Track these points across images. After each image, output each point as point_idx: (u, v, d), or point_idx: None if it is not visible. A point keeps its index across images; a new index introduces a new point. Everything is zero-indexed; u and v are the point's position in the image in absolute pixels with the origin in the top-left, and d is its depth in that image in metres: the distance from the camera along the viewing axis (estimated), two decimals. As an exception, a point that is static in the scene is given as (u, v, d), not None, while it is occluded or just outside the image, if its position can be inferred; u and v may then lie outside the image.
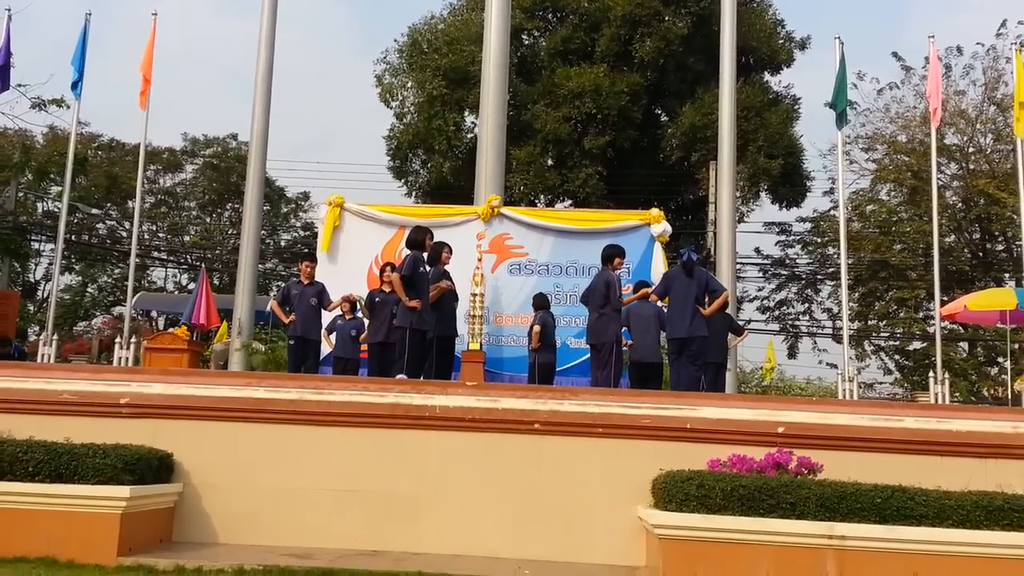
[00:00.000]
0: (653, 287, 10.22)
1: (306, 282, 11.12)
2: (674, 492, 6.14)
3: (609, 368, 9.63)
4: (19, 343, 16.21)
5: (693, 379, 9.21)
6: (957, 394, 18.26)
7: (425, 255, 9.84)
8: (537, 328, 11.17)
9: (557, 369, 11.39)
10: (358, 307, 11.38)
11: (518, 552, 6.84)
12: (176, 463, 7.10)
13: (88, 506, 6.18)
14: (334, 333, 11.43)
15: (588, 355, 11.80)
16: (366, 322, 11.07)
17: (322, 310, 11.10)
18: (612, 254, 10.15)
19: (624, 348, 10.44)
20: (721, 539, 5.92)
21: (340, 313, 11.34)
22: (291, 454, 7.23)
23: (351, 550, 6.76)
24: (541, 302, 11.55)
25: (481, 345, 11.69)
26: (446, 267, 10.43)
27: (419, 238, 9.79)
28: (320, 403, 7.36)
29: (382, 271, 10.91)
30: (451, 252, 10.61)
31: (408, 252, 9.75)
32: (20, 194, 29.01)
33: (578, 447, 7.20)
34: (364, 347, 11.05)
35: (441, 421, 7.30)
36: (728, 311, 10.75)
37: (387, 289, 10.52)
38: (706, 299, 9.42)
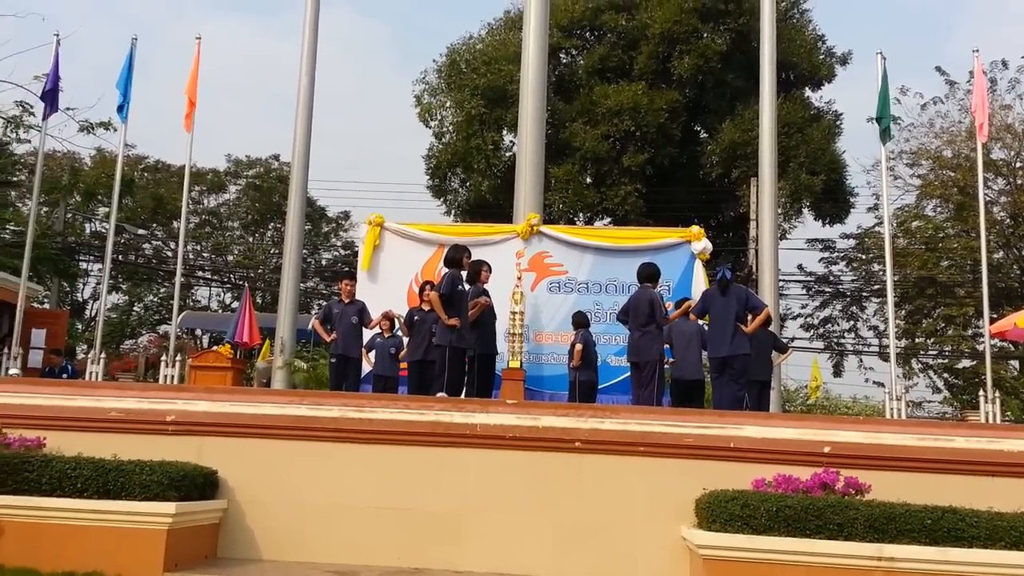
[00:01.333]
0: (693, 306, 10.17)
1: (347, 300, 11.26)
2: (718, 512, 6.07)
3: (652, 386, 9.56)
4: (68, 362, 16.51)
5: (736, 398, 9.10)
6: (1008, 413, 17.85)
7: (463, 273, 9.87)
8: (580, 346, 11.14)
9: (598, 387, 11.35)
10: (396, 325, 11.44)
11: (559, 571, 6.80)
12: (221, 480, 7.16)
13: (135, 522, 6.26)
14: (373, 351, 11.49)
15: (629, 373, 11.73)
16: (405, 340, 11.13)
17: (363, 328, 11.18)
18: (654, 272, 10.09)
19: (666, 366, 10.38)
20: (766, 560, 5.82)
21: (379, 331, 11.41)
22: (334, 471, 7.27)
23: (393, 567, 6.77)
24: (581, 320, 11.53)
25: (521, 363, 11.66)
26: (485, 285, 10.45)
27: (457, 256, 9.80)
28: (362, 420, 7.40)
29: (421, 289, 10.96)
30: (490, 270, 10.63)
31: (447, 271, 9.78)
32: (68, 215, 29.67)
33: (620, 466, 7.14)
34: (403, 365, 11.10)
35: (482, 439, 7.29)
36: (771, 328, 10.63)
37: (426, 307, 10.56)
38: (748, 317, 9.33)
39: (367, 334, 11.46)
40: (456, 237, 12.44)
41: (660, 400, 9.75)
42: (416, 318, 10.66)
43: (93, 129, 17.68)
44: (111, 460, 6.58)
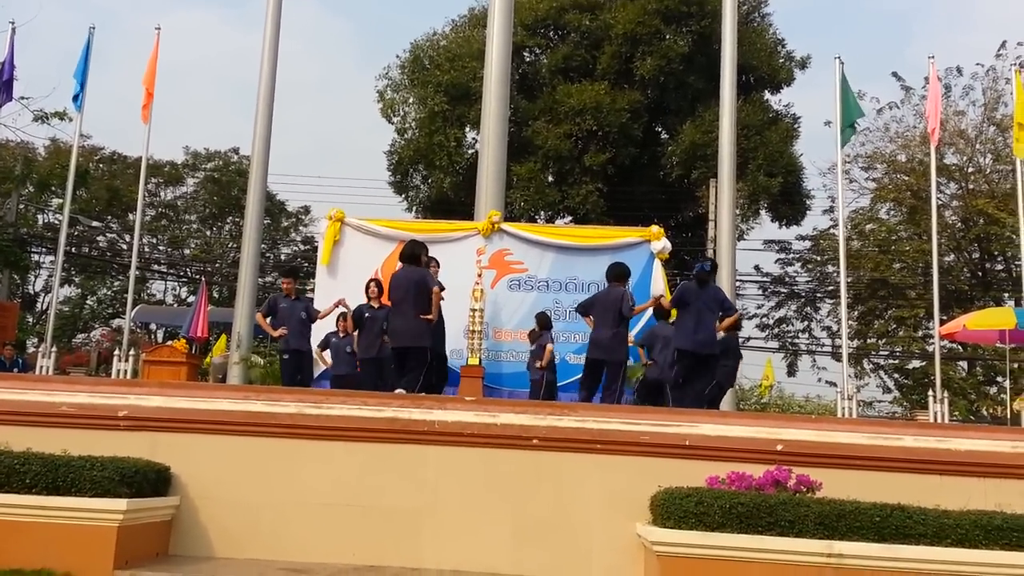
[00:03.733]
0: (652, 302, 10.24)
1: (293, 297, 11.12)
2: (672, 509, 6.13)
3: (617, 385, 9.64)
4: (19, 355, 16.19)
5: (698, 394, 9.16)
6: (956, 413, 18.25)
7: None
8: (550, 346, 11.23)
9: (557, 384, 11.41)
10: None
11: (516, 568, 6.81)
12: (174, 476, 7.07)
13: (85, 519, 6.15)
14: (327, 351, 11.37)
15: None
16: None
17: (311, 323, 11.07)
18: (624, 272, 9.97)
19: (645, 364, 10.49)
20: (719, 556, 5.89)
21: (335, 330, 11.29)
22: (289, 468, 7.21)
23: (349, 565, 6.73)
24: (546, 321, 11.59)
25: (480, 360, 11.69)
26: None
27: (417, 252, 9.56)
28: (319, 417, 7.35)
29: (367, 287, 10.90)
30: (438, 266, 10.53)
31: (414, 268, 9.52)
32: (21, 206, 29.07)
33: (577, 463, 7.18)
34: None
35: (440, 436, 7.27)
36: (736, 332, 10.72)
37: (375, 305, 10.57)
38: (719, 316, 9.32)
39: (322, 330, 11.36)
40: (417, 233, 12.40)
41: (621, 400, 9.79)
42: (367, 315, 10.59)
43: (48, 119, 17.31)
44: (61, 456, 6.46)
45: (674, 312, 9.84)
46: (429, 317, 9.16)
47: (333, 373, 11.24)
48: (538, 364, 11.26)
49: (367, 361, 10.44)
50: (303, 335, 10.94)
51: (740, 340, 11.91)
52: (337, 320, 11.24)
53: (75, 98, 14.47)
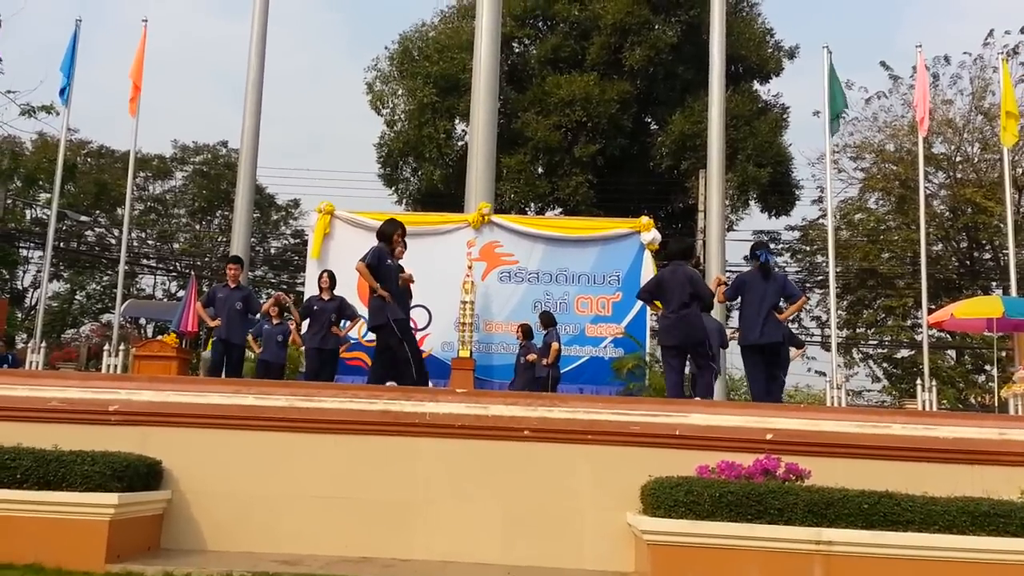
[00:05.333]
0: (726, 289, 9.56)
1: (233, 285, 10.91)
2: (663, 498, 6.16)
3: (709, 371, 8.95)
4: (8, 351, 16.13)
5: (775, 384, 8.88)
6: (944, 401, 18.35)
7: (391, 249, 9.23)
8: (556, 345, 11.28)
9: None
10: (289, 311, 11.42)
11: (507, 558, 6.84)
12: (165, 470, 7.07)
13: (76, 513, 6.15)
14: (260, 337, 11.39)
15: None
16: (292, 327, 11.28)
17: (248, 314, 10.93)
18: (688, 247, 9.44)
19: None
20: (709, 545, 5.94)
21: (268, 317, 11.28)
22: (281, 461, 7.22)
23: (340, 557, 6.75)
24: (549, 320, 11.65)
25: (471, 352, 11.72)
26: (399, 261, 9.66)
27: (388, 231, 9.21)
28: (310, 410, 7.36)
29: (320, 277, 10.94)
30: (405, 247, 10.07)
31: (374, 244, 9.22)
32: (9, 201, 28.92)
33: (568, 454, 7.20)
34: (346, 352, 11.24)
35: (431, 428, 7.29)
36: (716, 317, 10.68)
37: (326, 297, 10.66)
38: (782, 303, 9.01)
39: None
40: (407, 226, 12.40)
41: (713, 377, 9.17)
42: (316, 308, 10.68)
43: (35, 113, 17.22)
44: (52, 450, 6.45)
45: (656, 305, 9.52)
46: (380, 294, 8.80)
47: (260, 359, 11.22)
48: (544, 361, 11.32)
49: (311, 350, 10.53)
50: (236, 326, 10.71)
51: (794, 333, 11.54)
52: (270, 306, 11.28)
53: (62, 92, 14.41)
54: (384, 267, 8.95)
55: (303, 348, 11.13)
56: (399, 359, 8.77)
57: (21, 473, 6.26)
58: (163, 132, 59.97)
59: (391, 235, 9.19)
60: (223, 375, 10.38)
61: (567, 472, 7.15)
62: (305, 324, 11.09)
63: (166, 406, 7.36)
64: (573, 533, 6.99)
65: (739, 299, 9.25)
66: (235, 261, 11.41)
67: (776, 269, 9.31)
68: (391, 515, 7.09)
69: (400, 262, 9.36)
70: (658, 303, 9.13)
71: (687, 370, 9.26)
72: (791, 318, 9.44)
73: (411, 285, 9.77)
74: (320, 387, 8.19)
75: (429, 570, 6.31)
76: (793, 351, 10.32)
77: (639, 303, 11.10)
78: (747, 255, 9.30)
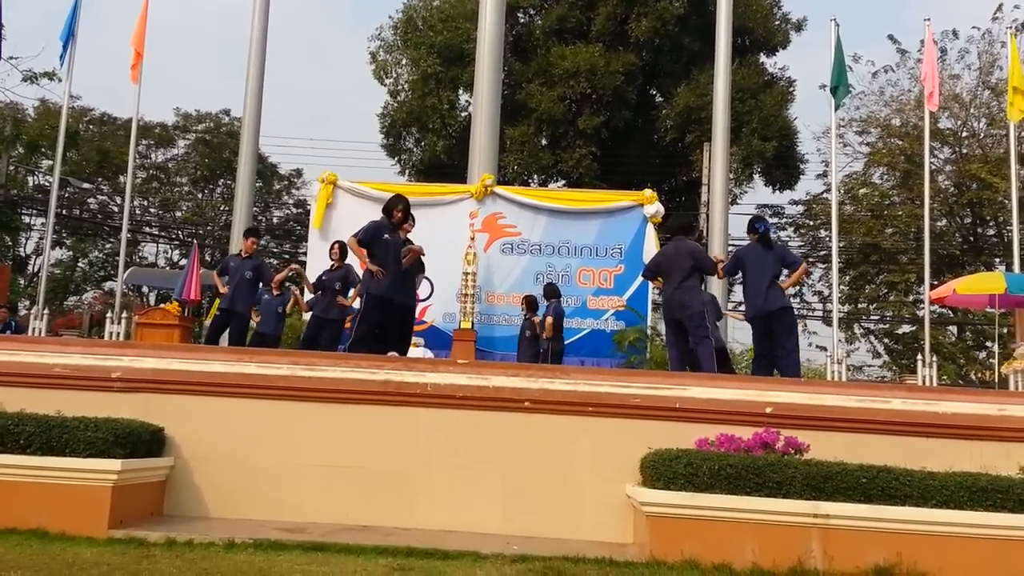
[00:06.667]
0: (724, 264, 9.58)
1: (245, 255, 10.93)
2: (662, 470, 6.19)
3: (708, 341, 8.78)
4: (11, 317, 16.18)
5: (796, 350, 8.85)
6: (945, 377, 18.40)
7: (391, 224, 9.16)
8: (550, 319, 11.25)
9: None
10: (295, 284, 11.47)
11: (507, 528, 6.89)
12: (168, 437, 7.11)
13: (79, 479, 6.20)
14: (258, 307, 11.40)
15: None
16: (296, 293, 11.57)
17: (258, 285, 10.97)
18: (689, 224, 9.61)
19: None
20: (708, 517, 5.97)
21: (268, 288, 11.29)
22: (283, 430, 7.25)
23: (342, 525, 6.80)
24: (552, 292, 11.62)
25: (473, 324, 11.74)
26: (407, 236, 9.66)
27: (390, 205, 9.14)
28: (311, 379, 7.38)
29: (331, 248, 10.95)
30: (413, 223, 9.94)
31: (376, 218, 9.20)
32: (11, 167, 28.86)
33: (568, 425, 7.23)
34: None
35: (432, 398, 7.32)
36: (716, 294, 10.66)
37: (335, 267, 10.70)
38: (783, 272, 8.98)
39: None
40: (410, 197, 12.37)
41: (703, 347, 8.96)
42: (324, 278, 10.73)
43: (37, 79, 17.18)
44: (55, 416, 6.49)
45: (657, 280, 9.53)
46: (373, 267, 8.74)
47: (257, 331, 11.24)
48: (544, 336, 11.34)
49: (313, 318, 10.57)
50: (242, 295, 10.72)
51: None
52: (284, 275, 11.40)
53: (62, 58, 14.33)
54: (380, 241, 8.87)
55: (306, 315, 11.20)
56: (354, 330, 8.87)
57: (24, 439, 6.29)
58: (166, 100, 59.78)
59: (391, 209, 9.11)
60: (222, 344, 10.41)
61: (567, 443, 7.18)
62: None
63: (168, 373, 7.39)
64: (573, 504, 7.04)
65: (739, 273, 9.23)
66: (253, 233, 11.51)
67: (776, 240, 9.23)
68: (392, 484, 7.13)
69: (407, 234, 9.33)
70: (660, 279, 9.18)
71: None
72: (793, 289, 9.43)
73: (422, 257, 9.68)
74: (322, 356, 8.20)
75: (430, 539, 6.36)
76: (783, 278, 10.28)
77: (641, 276, 11.07)
78: (748, 229, 9.26)
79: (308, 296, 11.44)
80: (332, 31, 72.24)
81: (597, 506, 6.99)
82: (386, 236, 8.90)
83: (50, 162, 25.83)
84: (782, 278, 8.97)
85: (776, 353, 8.85)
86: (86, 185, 33.29)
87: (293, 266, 11.45)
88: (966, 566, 5.77)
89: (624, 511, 6.89)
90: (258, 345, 10.78)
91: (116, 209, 34.06)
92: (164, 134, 35.57)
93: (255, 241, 11.17)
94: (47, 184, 28.68)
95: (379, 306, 8.80)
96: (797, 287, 9.19)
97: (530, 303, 11.76)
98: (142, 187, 34.65)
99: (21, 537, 5.86)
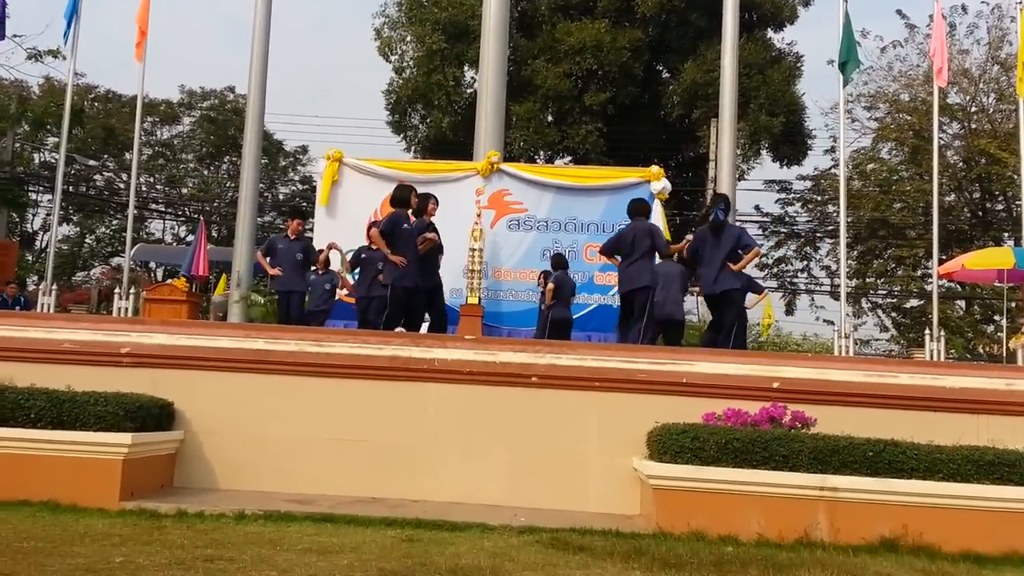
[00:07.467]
0: (688, 246, 9.92)
1: (292, 237, 11.19)
2: (669, 444, 6.22)
3: (643, 318, 9.38)
4: (20, 292, 16.25)
5: (739, 328, 9.16)
6: (952, 351, 18.41)
7: (409, 212, 9.72)
8: (551, 286, 11.32)
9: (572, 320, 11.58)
10: (339, 260, 11.54)
11: (514, 500, 6.94)
12: (177, 411, 7.17)
13: (90, 452, 6.26)
14: (308, 287, 11.52)
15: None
16: (339, 276, 11.52)
17: (308, 265, 11.19)
18: (647, 207, 10.00)
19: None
20: (714, 490, 6.01)
21: (314, 267, 11.45)
22: (291, 404, 7.31)
23: (351, 497, 6.86)
24: (559, 262, 11.68)
25: (480, 300, 11.75)
26: (432, 218, 10.22)
27: (404, 195, 9.67)
28: (319, 355, 7.42)
29: (368, 229, 10.96)
30: (437, 203, 10.43)
31: (392, 210, 9.65)
32: (17, 145, 28.87)
33: (575, 400, 7.27)
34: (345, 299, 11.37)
35: (440, 374, 7.35)
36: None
37: (374, 247, 10.67)
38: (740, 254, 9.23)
39: None
40: (416, 174, 12.38)
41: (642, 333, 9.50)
42: (364, 256, 10.73)
43: (41, 57, 17.11)
44: (65, 391, 6.54)
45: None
46: (394, 258, 9.19)
47: (309, 309, 11.40)
48: (544, 305, 11.43)
49: (360, 299, 10.62)
50: (296, 275, 11.02)
51: (754, 279, 11.88)
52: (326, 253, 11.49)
53: (65, 36, 14.27)
54: (399, 232, 9.31)
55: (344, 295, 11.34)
56: (372, 320, 9.36)
57: (36, 413, 6.36)
58: (170, 78, 59.61)
59: (407, 199, 9.63)
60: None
61: (574, 418, 7.22)
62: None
63: (177, 349, 7.43)
64: (579, 477, 7.08)
65: (698, 252, 9.46)
66: (299, 215, 11.85)
67: (730, 223, 9.72)
68: (401, 458, 7.18)
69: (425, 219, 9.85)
70: (617, 257, 9.74)
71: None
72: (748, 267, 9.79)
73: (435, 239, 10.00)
74: (330, 332, 8.25)
75: (438, 510, 6.41)
76: (754, 297, 10.97)
77: (599, 252, 11.09)
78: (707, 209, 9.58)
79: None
80: (336, 7, 71.84)
81: (604, 479, 7.04)
82: (405, 226, 9.41)
83: (56, 139, 25.80)
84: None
85: (726, 329, 9.03)
86: (92, 162, 33.30)
87: (332, 242, 11.57)
88: (971, 538, 5.80)
89: (631, 484, 6.94)
90: (313, 322, 10.98)
91: (122, 186, 34.07)
92: (169, 111, 35.50)
93: (300, 222, 11.48)
94: (53, 161, 28.67)
95: (404, 296, 9.33)
96: (747, 267, 9.48)
97: (548, 278, 11.79)
98: (148, 164, 34.61)
99: (33, 509, 5.94)
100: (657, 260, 9.87)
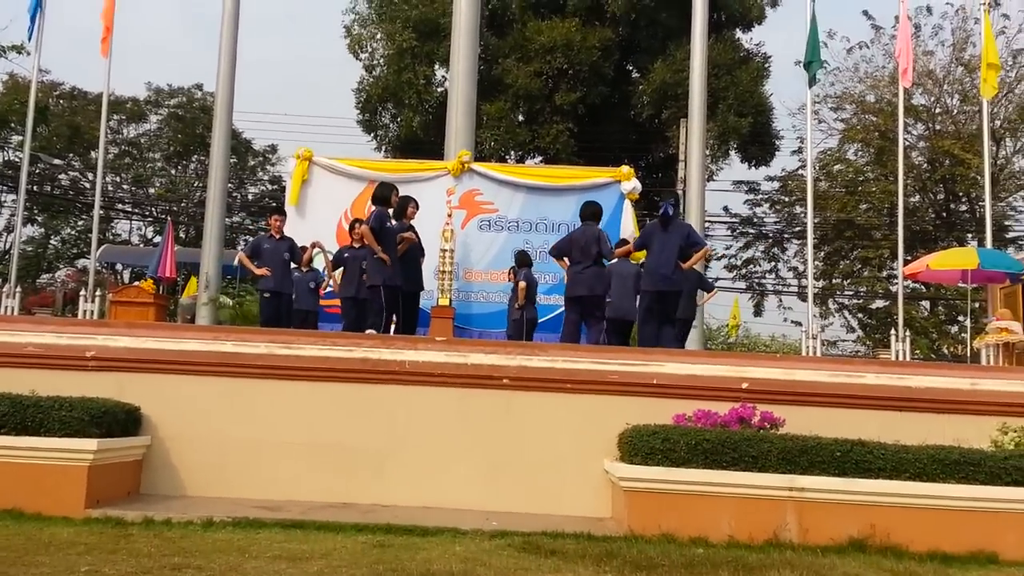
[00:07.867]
0: (634, 241, 10.02)
1: (277, 237, 11.06)
2: (639, 446, 6.25)
3: (602, 323, 9.61)
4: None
5: (667, 335, 9.15)
6: (918, 352, 18.63)
7: (391, 211, 9.77)
8: (522, 284, 11.26)
9: (537, 322, 11.55)
10: (321, 260, 11.43)
11: (487, 504, 6.93)
12: (144, 416, 7.07)
13: (55, 459, 6.16)
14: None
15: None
16: (323, 275, 11.34)
17: (293, 264, 11.07)
18: (598, 211, 9.94)
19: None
20: (684, 491, 6.04)
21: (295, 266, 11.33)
22: (261, 408, 7.24)
23: (321, 502, 6.81)
24: (524, 259, 11.62)
25: (451, 301, 11.71)
26: (411, 221, 10.35)
27: (385, 194, 9.66)
28: (289, 357, 7.36)
29: (351, 227, 10.89)
30: (417, 207, 10.52)
31: (375, 208, 9.68)
32: (-21, 143, 28.37)
33: (546, 402, 7.27)
34: (326, 301, 11.23)
35: (411, 376, 7.33)
36: (698, 268, 10.80)
37: (357, 245, 10.57)
38: (689, 252, 9.28)
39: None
40: (386, 173, 12.30)
41: (599, 337, 9.73)
42: (347, 256, 10.64)
43: (5, 53, 16.88)
44: (29, 396, 6.43)
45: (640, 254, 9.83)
46: (380, 257, 9.16)
47: (295, 308, 11.28)
48: (516, 305, 11.33)
49: (346, 299, 10.53)
50: (285, 276, 10.89)
51: (705, 276, 12.00)
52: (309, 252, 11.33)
53: (30, 32, 14.04)
54: (384, 230, 9.32)
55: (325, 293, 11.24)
56: (370, 323, 9.24)
57: (-2, 419, 6.24)
58: (137, 75, 58.84)
59: (388, 198, 9.64)
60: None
61: (546, 420, 7.22)
62: (338, 274, 11.06)
63: (144, 352, 7.34)
64: (552, 480, 7.09)
65: (645, 249, 9.47)
66: (279, 212, 11.58)
67: (680, 219, 9.84)
68: (372, 461, 7.14)
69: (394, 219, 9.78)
70: (566, 260, 9.82)
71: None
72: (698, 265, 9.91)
73: (416, 240, 10.08)
74: (300, 334, 8.18)
75: (409, 515, 6.38)
76: (703, 294, 11.09)
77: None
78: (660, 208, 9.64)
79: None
80: (305, 3, 71.35)
81: (576, 481, 7.05)
82: (388, 224, 9.46)
83: (20, 137, 25.41)
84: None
85: (660, 329, 9.04)
86: (57, 161, 32.78)
87: (316, 241, 11.43)
88: (938, 537, 5.88)
89: (603, 486, 6.96)
90: (300, 322, 10.87)
91: (88, 185, 33.60)
92: (136, 109, 35.04)
93: (283, 220, 11.25)
94: (17, 160, 28.22)
95: (397, 295, 9.37)
96: (700, 264, 9.57)
97: (515, 271, 11.73)
98: (114, 163, 34.16)
99: (-3, 517, 5.82)
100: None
